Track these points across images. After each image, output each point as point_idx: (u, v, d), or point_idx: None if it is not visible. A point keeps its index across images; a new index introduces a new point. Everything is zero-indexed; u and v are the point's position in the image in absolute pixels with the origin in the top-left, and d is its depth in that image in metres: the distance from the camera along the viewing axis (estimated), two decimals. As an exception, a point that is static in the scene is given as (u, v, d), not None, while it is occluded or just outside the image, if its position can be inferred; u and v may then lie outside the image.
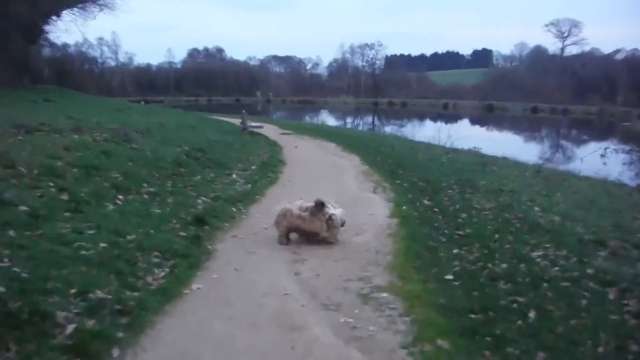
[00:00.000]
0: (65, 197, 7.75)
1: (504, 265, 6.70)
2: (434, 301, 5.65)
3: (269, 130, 26.27)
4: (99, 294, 5.16)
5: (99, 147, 11.25)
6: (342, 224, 8.03)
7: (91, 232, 6.70)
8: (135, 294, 5.44)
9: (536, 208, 9.78)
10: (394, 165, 15.41)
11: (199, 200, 9.48)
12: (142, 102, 58.22)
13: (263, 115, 54.42)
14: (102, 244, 6.33)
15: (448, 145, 24.50)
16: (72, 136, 12.03)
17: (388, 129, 48.86)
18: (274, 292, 5.99)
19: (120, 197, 8.58)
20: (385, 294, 5.88)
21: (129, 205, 8.29)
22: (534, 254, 7.15)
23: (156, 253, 6.57)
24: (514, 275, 6.33)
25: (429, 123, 55.71)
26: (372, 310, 5.53)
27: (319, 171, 14.87)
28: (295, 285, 6.23)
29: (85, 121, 14.95)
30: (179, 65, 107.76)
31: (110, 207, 8.01)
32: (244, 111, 24.30)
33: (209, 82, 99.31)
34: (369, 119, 67.10)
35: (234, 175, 12.34)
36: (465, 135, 28.79)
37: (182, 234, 7.48)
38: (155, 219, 7.86)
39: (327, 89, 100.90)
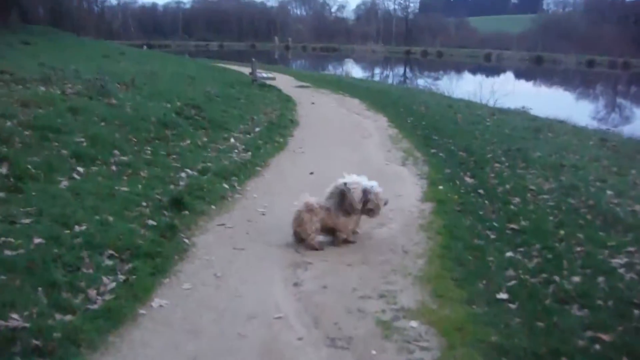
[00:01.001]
0: (3, 169, 6.64)
1: (576, 279, 5.45)
2: (483, 337, 4.43)
3: (284, 82, 24.97)
4: (13, 321, 4.05)
5: (67, 102, 10.10)
6: (385, 203, 6.75)
7: (27, 221, 5.58)
8: (68, 317, 4.31)
9: (609, 192, 8.43)
10: (428, 128, 14.08)
11: (182, 174, 8.31)
12: (144, 47, 57.19)
13: (280, 64, 53.14)
14: (38, 240, 5.20)
15: (492, 103, 23.07)
16: (38, 88, 10.90)
17: (421, 82, 47.29)
18: (263, 313, 4.83)
19: (80, 169, 7.45)
20: (414, 323, 4.68)
21: (88, 180, 7.15)
22: (615, 261, 5.88)
23: (111, 252, 5.42)
24: (591, 296, 5.08)
25: (468, 76, 53.90)
26: (395, 350, 4.34)
27: (337, 135, 13.60)
28: (292, 303, 5.06)
29: (59, 69, 13.78)
30: (188, 6, 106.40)
31: (64, 183, 6.88)
32: (254, 59, 22.94)
33: (222, 25, 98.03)
34: (400, 70, 65.35)
35: (232, 140, 11.13)
36: (511, 91, 27.28)
37: (151, 222, 6.32)
38: (119, 200, 6.71)
39: (353, 35, 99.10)
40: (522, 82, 52.82)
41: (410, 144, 12.36)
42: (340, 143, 12.51)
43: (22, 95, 9.82)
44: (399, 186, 8.97)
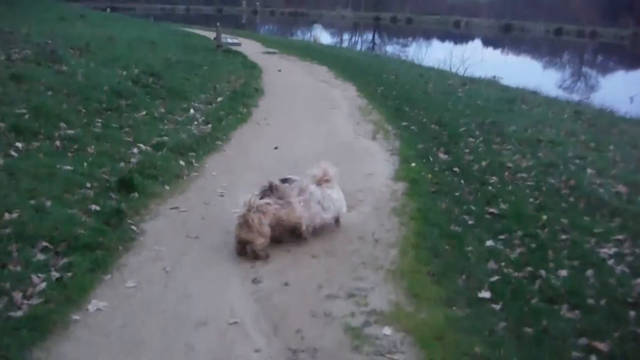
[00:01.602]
0: None
1: (563, 273, 4.93)
2: (466, 348, 3.87)
3: (250, 48, 24.06)
4: None
5: (10, 69, 9.22)
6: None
7: (-52, 208, 4.87)
8: (-15, 328, 3.66)
9: (589, 170, 7.93)
10: (398, 99, 13.45)
11: (135, 150, 7.59)
12: (108, 10, 55.32)
13: (248, 29, 51.90)
14: (-42, 231, 4.52)
15: (462, 72, 22.55)
16: (-21, 53, 9.99)
17: (390, 49, 46.54)
18: (216, 318, 4.21)
19: (19, 145, 6.68)
20: (388, 330, 4.09)
21: (27, 158, 6.38)
22: (603, 251, 5.37)
23: (45, 244, 4.75)
24: (581, 294, 4.57)
25: (437, 43, 53.24)
26: (366, 365, 3.78)
27: (304, 105, 12.90)
28: (249, 305, 4.44)
29: (8, 32, 12.78)
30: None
31: (-2, 162, 6.13)
32: (218, 24, 21.98)
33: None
34: (369, 36, 64.38)
35: (191, 111, 10.36)
36: (480, 60, 26.78)
37: (95, 207, 5.63)
38: (60, 181, 5.98)
39: (322, 0, 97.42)
40: (491, 50, 52.32)
41: (380, 116, 11.73)
42: (307, 114, 11.84)
43: (-40, 61, 8.95)
44: (369, 163, 8.37)
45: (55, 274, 4.41)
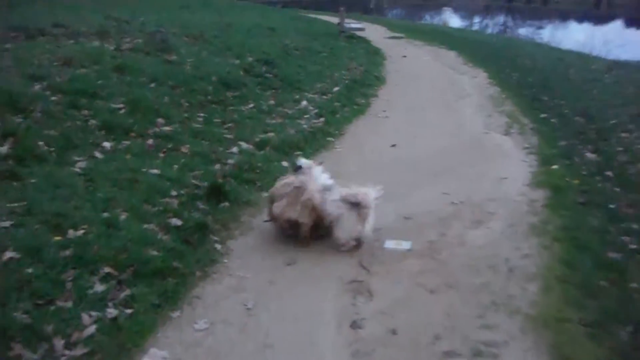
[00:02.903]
0: (5, 148, 5.27)
1: None
2: None
3: (374, 33, 22.90)
4: None
5: (117, 59, 8.68)
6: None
7: (6, 224, 4.15)
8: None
9: None
10: (535, 87, 11.92)
11: (234, 149, 6.76)
12: (238, -3, 55.86)
13: (376, 14, 50.81)
14: (10, 254, 3.79)
15: (604, 55, 20.34)
16: (90, 43, 9.54)
17: (523, 31, 43.90)
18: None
19: (107, 144, 6.00)
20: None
21: (112, 160, 5.68)
22: None
23: (107, 270, 3.96)
24: None
25: (575, 25, 49.62)
26: None
27: (429, 94, 11.65)
28: (344, 364, 3.44)
29: (124, 21, 12.43)
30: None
31: (80, 164, 5.43)
32: (342, 8, 20.98)
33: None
34: (500, 19, 61.40)
35: (304, 102, 9.44)
36: (626, 41, 24.32)
37: (175, 221, 4.81)
38: (142, 188, 5.22)
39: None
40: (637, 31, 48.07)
41: (514, 107, 10.31)
42: (432, 105, 10.63)
43: (67, 52, 8.48)
44: (502, 164, 7.10)
45: (111, 312, 3.61)
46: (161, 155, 6.18)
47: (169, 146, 6.42)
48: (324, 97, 10.14)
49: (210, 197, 5.39)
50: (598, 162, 7.00)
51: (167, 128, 6.86)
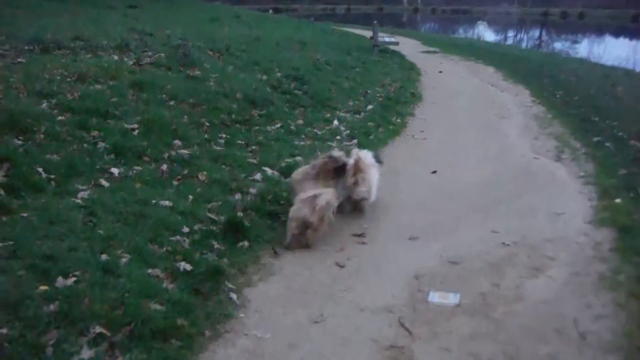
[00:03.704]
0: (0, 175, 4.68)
1: None
2: None
3: (409, 47, 22.20)
4: None
5: (135, 75, 8.10)
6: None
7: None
8: None
9: None
10: (583, 106, 11.06)
11: (257, 175, 6.10)
12: (270, 11, 55.79)
13: (408, 28, 50.24)
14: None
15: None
16: (109, 57, 9.00)
17: (558, 45, 42.96)
18: None
19: (115, 170, 5.38)
20: None
21: (119, 190, 5.05)
22: None
23: (99, 329, 3.29)
24: None
25: (612, 40, 48.33)
26: None
27: (469, 113, 10.89)
28: None
29: (147, 35, 11.89)
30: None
31: (82, 194, 4.81)
32: (375, 22, 20.31)
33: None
34: (536, 33, 60.41)
35: (335, 122, 8.74)
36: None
37: (184, 266, 4.14)
38: (149, 224, 4.57)
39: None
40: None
41: (563, 128, 9.49)
42: (473, 125, 9.87)
43: (82, 67, 7.92)
44: (556, 196, 6.30)
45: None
46: (175, 183, 5.54)
47: (185, 172, 5.78)
48: (357, 116, 9.46)
49: (227, 234, 4.73)
50: (667, 195, 6.19)
51: (184, 151, 6.22)
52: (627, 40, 46.74)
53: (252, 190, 5.67)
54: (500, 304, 4.06)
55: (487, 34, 50.86)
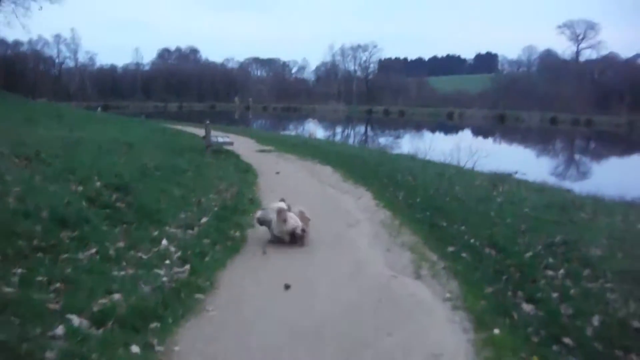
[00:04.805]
0: None
1: None
2: None
3: (243, 146, 21.44)
4: None
5: None
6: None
7: None
8: None
9: None
10: (427, 209, 10.53)
11: (58, 330, 4.53)
12: (99, 109, 53.82)
13: (241, 125, 50.29)
14: None
15: (472, 166, 20.22)
16: None
17: (383, 140, 45.27)
18: None
19: None
20: None
21: None
22: None
23: None
24: None
25: (435, 135, 51.41)
26: None
27: (314, 221, 9.94)
28: None
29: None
30: (147, 67, 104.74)
31: None
32: (207, 121, 19.31)
33: (181, 86, 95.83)
34: (361, 129, 63.20)
35: (164, 242, 7.36)
36: (490, 151, 24.62)
37: None
38: None
39: (314, 95, 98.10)
40: (493, 141, 50.55)
41: (414, 236, 8.79)
42: (320, 236, 8.91)
43: None
44: (427, 329, 5.37)
45: None
46: None
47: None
48: (190, 231, 8.15)
49: None
50: (543, 319, 5.47)
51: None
52: (442, 135, 49.83)
53: (49, 355, 4.16)
54: None
55: (318, 130, 52.11)
